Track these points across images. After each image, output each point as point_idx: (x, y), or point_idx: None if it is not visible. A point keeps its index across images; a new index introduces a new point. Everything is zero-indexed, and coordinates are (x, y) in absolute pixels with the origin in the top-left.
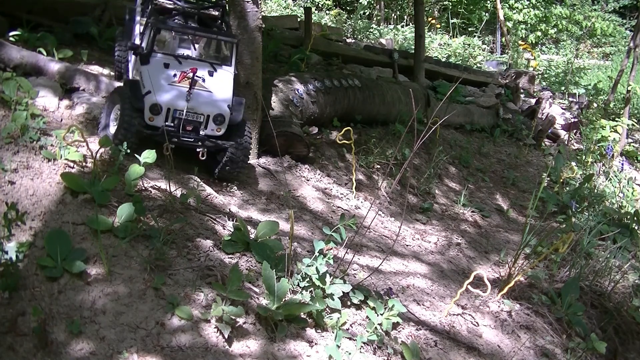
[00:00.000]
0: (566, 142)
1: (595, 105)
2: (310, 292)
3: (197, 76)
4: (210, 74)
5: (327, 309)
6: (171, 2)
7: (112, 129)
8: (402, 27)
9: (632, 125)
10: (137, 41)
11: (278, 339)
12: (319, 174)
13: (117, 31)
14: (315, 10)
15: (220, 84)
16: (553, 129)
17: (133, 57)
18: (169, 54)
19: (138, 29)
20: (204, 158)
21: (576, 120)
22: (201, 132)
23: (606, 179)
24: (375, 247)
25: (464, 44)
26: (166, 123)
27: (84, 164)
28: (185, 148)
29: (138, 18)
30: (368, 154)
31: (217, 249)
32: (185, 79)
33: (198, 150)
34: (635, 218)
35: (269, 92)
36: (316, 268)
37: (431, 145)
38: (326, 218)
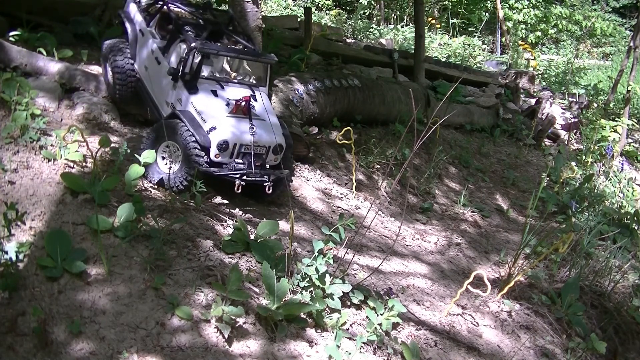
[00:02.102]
0: (566, 142)
1: (595, 105)
2: (310, 292)
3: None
4: (254, 98)
5: (327, 309)
6: (186, 12)
7: (162, 166)
8: (402, 27)
9: (632, 125)
10: (156, 59)
11: (278, 339)
12: (319, 174)
13: (109, 43)
14: (315, 10)
15: (267, 109)
16: (553, 129)
17: (166, 82)
18: (212, 78)
19: (150, 44)
20: (270, 192)
21: (576, 120)
22: (267, 165)
23: (606, 179)
24: (375, 247)
25: (464, 44)
26: (235, 160)
27: (84, 164)
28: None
29: (143, 27)
30: (368, 154)
31: (217, 249)
32: (239, 108)
33: (265, 184)
34: (635, 218)
35: (269, 92)
36: (316, 268)
37: (431, 145)
38: (326, 218)
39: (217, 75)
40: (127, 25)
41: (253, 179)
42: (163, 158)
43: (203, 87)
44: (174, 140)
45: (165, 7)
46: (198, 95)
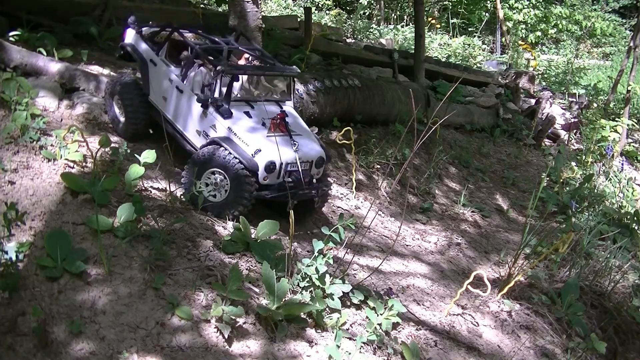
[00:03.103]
0: (566, 142)
1: (595, 105)
2: (310, 292)
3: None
4: (286, 113)
5: (327, 309)
6: (193, 34)
7: (205, 193)
8: (402, 27)
9: (632, 125)
10: (181, 87)
11: (278, 339)
12: None
13: (115, 78)
14: (315, 10)
15: (299, 122)
16: (553, 129)
17: (195, 110)
18: (241, 99)
19: (167, 73)
20: (317, 206)
21: (576, 120)
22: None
23: (606, 179)
24: (375, 247)
25: (464, 44)
26: (283, 180)
27: (84, 164)
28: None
29: (153, 57)
30: (368, 154)
31: (217, 249)
32: (276, 126)
33: (315, 199)
34: (635, 218)
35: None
36: (316, 268)
37: (431, 145)
38: (326, 218)
39: (245, 95)
40: (135, 56)
41: (306, 194)
42: (207, 185)
43: (235, 110)
44: (220, 168)
45: (175, 33)
46: (233, 119)
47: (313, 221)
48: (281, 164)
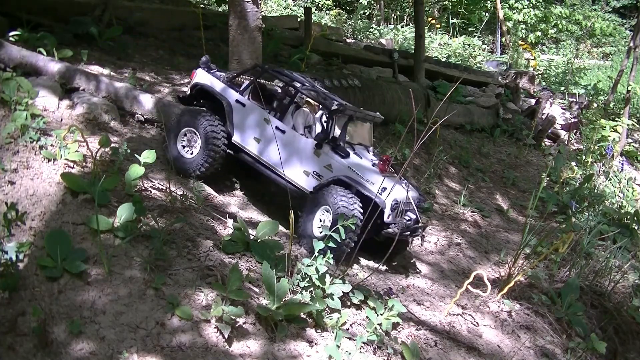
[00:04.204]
0: (566, 142)
1: (595, 105)
2: (310, 292)
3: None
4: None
5: (327, 309)
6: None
7: (317, 232)
8: (402, 27)
9: (632, 125)
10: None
11: (278, 339)
12: None
13: (186, 114)
14: (315, 10)
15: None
16: (553, 129)
17: (303, 151)
18: (347, 142)
19: (262, 115)
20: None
21: (576, 120)
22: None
23: (606, 179)
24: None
25: (464, 44)
26: (405, 217)
27: (84, 164)
28: None
29: (239, 98)
30: None
31: (217, 249)
32: (385, 167)
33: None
34: (635, 218)
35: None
36: (316, 268)
37: (431, 145)
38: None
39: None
40: (217, 97)
41: (417, 233)
42: (320, 221)
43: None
44: (343, 210)
45: (263, 75)
46: (351, 159)
47: None
48: (400, 202)
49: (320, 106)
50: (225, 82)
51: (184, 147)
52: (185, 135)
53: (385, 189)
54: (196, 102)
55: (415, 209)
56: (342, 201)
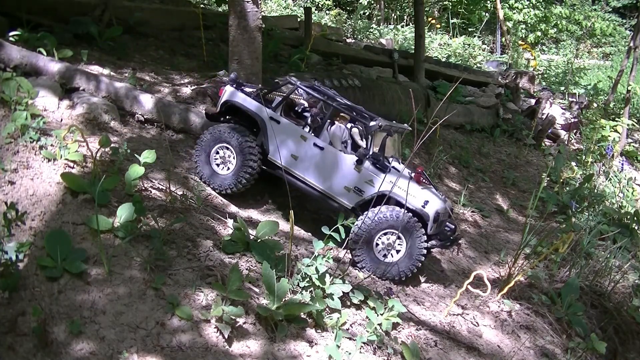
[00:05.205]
0: (566, 142)
1: (595, 105)
2: (310, 292)
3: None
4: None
5: (327, 309)
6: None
7: (379, 256)
8: (402, 27)
9: (632, 125)
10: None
11: (278, 339)
12: None
13: (220, 129)
14: (315, 10)
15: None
16: (553, 129)
17: (348, 166)
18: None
19: (298, 131)
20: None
21: (576, 120)
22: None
23: (606, 179)
24: None
25: (464, 44)
26: (445, 228)
27: (84, 164)
28: None
29: (273, 115)
30: None
31: (217, 249)
32: (420, 179)
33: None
34: (635, 218)
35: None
36: (316, 268)
37: (431, 145)
38: (326, 218)
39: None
40: (251, 115)
41: (455, 243)
42: (377, 245)
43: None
44: (392, 227)
45: (298, 89)
46: (392, 174)
47: (314, 221)
48: (441, 213)
49: (351, 120)
50: (256, 99)
51: (217, 164)
52: (218, 152)
53: (427, 201)
54: (223, 119)
55: (452, 218)
56: (395, 215)
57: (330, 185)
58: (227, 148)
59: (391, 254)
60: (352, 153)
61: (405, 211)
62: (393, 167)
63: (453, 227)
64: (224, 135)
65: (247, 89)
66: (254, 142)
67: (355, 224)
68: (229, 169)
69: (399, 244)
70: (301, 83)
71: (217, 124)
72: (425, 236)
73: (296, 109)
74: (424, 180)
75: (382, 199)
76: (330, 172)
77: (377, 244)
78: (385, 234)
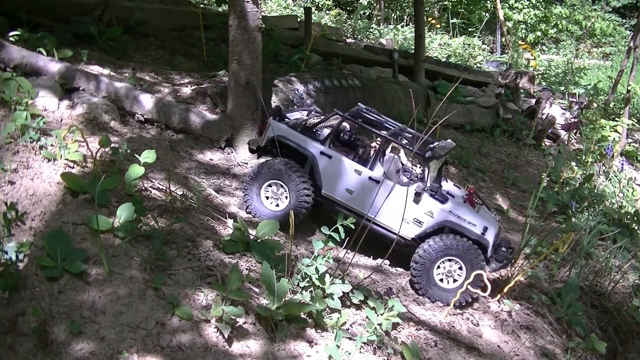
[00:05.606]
0: (566, 142)
1: (595, 105)
2: (310, 292)
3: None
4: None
5: (327, 309)
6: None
7: (441, 283)
8: (402, 27)
9: (632, 125)
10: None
11: (278, 339)
12: None
13: (272, 165)
14: (315, 10)
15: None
16: (553, 129)
17: (401, 199)
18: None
19: (350, 166)
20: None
21: (576, 120)
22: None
23: (606, 179)
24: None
25: (464, 44)
26: (502, 250)
27: (84, 164)
28: None
29: (324, 149)
30: None
31: (217, 249)
32: (472, 202)
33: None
34: (635, 218)
35: (269, 92)
36: (316, 268)
37: None
38: (326, 218)
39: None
40: (301, 151)
41: (509, 263)
42: (438, 268)
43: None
44: (457, 256)
45: (346, 121)
46: (450, 203)
47: (313, 221)
48: (498, 237)
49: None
50: (304, 133)
51: (267, 197)
52: (270, 186)
53: (487, 228)
54: (266, 151)
55: (506, 239)
56: (460, 246)
57: (389, 218)
58: (280, 184)
59: (447, 281)
60: (411, 183)
61: (467, 241)
62: (448, 192)
63: (508, 244)
64: (278, 172)
65: (291, 115)
66: (308, 181)
67: (416, 251)
68: (277, 205)
69: (458, 275)
70: (349, 114)
71: (263, 157)
72: (484, 262)
73: (342, 135)
74: (476, 201)
75: (442, 229)
76: (387, 204)
77: (438, 266)
78: (449, 260)
